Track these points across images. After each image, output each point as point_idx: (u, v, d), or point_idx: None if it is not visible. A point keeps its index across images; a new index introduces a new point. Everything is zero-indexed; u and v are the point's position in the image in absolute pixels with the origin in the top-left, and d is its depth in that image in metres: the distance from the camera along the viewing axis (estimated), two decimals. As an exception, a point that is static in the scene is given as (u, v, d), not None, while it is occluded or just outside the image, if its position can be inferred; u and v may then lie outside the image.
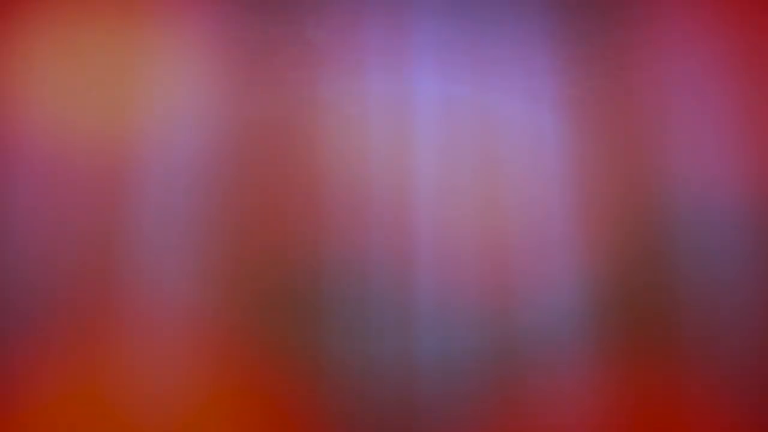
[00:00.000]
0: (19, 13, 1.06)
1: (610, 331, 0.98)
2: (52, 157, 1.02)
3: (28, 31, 1.06)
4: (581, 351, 0.97)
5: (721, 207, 1.02)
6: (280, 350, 0.97)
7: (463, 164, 1.03)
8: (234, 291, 0.98)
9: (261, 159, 1.02)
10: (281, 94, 1.04)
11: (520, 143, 1.04)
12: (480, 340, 0.97)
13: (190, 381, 0.96)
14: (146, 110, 1.04)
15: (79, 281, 0.98)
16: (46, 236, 0.99)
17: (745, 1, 1.09)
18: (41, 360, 0.96)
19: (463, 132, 1.04)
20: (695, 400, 0.96)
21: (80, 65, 1.06)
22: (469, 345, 0.97)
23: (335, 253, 0.99)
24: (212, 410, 0.95)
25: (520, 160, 1.03)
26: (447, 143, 1.04)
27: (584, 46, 1.06)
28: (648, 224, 1.01)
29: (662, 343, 0.98)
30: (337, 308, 0.98)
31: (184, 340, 0.97)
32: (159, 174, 1.01)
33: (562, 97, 1.05)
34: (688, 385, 0.96)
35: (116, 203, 1.00)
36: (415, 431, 0.95)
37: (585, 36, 1.07)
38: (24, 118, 1.03)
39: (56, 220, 1.00)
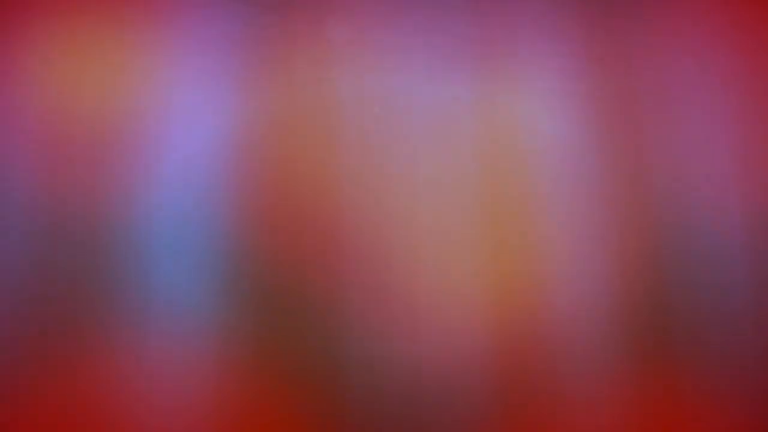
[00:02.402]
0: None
1: (625, 338, 0.97)
2: (55, 155, 1.01)
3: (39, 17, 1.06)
4: (597, 361, 0.97)
5: (739, 212, 1.02)
6: (289, 359, 0.96)
7: (473, 168, 1.03)
8: (239, 296, 0.97)
9: (277, 159, 1.02)
10: (300, 93, 1.04)
11: (533, 146, 1.04)
12: (488, 349, 0.97)
13: (190, 387, 0.95)
14: (160, 108, 1.03)
15: (72, 290, 0.96)
16: (40, 240, 0.98)
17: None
18: (24, 378, 0.94)
19: (476, 133, 1.04)
20: (716, 413, 0.96)
21: (95, 64, 1.05)
22: (478, 354, 0.97)
23: (342, 257, 0.99)
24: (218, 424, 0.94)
25: (531, 163, 1.03)
26: (459, 146, 1.04)
27: (602, 44, 1.06)
28: (666, 230, 1.00)
29: (680, 352, 0.97)
30: (346, 316, 0.97)
31: (183, 343, 0.96)
32: (169, 173, 1.01)
33: (576, 98, 1.05)
34: (711, 397, 0.96)
35: (122, 206, 1.00)
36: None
37: (603, 33, 1.07)
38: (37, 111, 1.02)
39: (51, 221, 0.99)
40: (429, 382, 0.95)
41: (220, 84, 1.04)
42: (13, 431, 0.92)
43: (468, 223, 1.01)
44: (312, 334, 0.96)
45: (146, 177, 1.00)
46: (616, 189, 1.03)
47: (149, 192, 1.00)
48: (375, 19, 1.07)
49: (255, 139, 1.03)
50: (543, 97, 1.05)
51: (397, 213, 1.01)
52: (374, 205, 1.01)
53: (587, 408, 0.95)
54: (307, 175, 1.02)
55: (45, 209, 0.99)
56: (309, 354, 0.96)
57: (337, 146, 1.03)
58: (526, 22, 1.08)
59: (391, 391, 0.95)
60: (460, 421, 0.95)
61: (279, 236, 0.99)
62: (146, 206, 0.99)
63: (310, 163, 1.02)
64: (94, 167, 1.00)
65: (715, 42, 1.08)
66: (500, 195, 1.02)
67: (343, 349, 0.96)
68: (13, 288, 0.96)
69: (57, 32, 1.06)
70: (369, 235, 1.00)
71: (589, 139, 1.04)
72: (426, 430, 0.94)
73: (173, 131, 1.02)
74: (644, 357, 0.97)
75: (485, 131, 1.04)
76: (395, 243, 1.00)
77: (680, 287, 0.99)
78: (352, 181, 1.02)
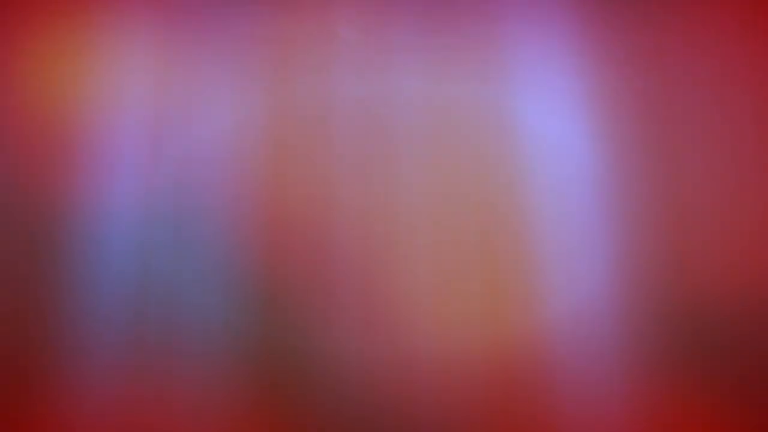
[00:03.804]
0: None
1: (627, 362, 0.96)
2: (47, 154, 1.01)
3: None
4: (596, 385, 0.96)
5: (747, 212, 1.00)
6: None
7: (475, 173, 1.02)
8: (228, 303, 0.97)
9: (276, 161, 1.02)
10: (310, 92, 1.04)
11: (538, 151, 1.02)
12: (485, 369, 0.96)
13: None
14: (159, 108, 1.03)
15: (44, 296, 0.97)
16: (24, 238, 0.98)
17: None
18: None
19: (479, 137, 1.03)
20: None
21: (87, 63, 1.05)
22: (474, 375, 0.96)
23: (338, 265, 0.98)
24: None
25: (537, 169, 1.02)
26: (462, 149, 1.03)
27: (614, 43, 1.05)
28: (676, 240, 0.99)
29: (686, 377, 0.96)
30: (336, 326, 0.97)
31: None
32: (164, 174, 1.00)
33: (585, 100, 1.04)
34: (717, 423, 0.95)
35: (111, 207, 1.00)
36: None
37: (611, 32, 1.05)
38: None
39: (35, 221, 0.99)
40: (425, 403, 0.95)
41: (219, 84, 1.04)
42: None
43: (467, 231, 1.00)
44: (300, 348, 0.96)
45: (138, 178, 1.00)
46: (624, 199, 1.01)
47: (140, 194, 1.00)
48: (380, 19, 1.06)
49: (253, 141, 1.02)
50: (551, 99, 1.03)
51: (396, 217, 1.00)
52: (374, 210, 1.00)
53: None
54: (304, 176, 1.01)
55: (32, 207, 0.99)
56: (297, 369, 0.95)
57: (338, 148, 1.02)
58: (534, 21, 1.06)
59: (387, 411, 0.94)
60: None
61: (273, 241, 0.99)
62: (137, 209, 0.99)
63: (308, 164, 1.01)
64: (84, 167, 1.00)
65: (727, 41, 1.05)
66: (502, 202, 1.01)
67: (334, 366, 0.96)
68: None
69: (48, 29, 1.06)
70: (369, 242, 0.99)
71: (597, 144, 1.03)
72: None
73: (172, 131, 1.02)
74: (646, 384, 0.95)
75: (489, 134, 1.03)
76: (393, 250, 0.99)
77: (688, 307, 0.98)
78: (352, 183, 1.01)
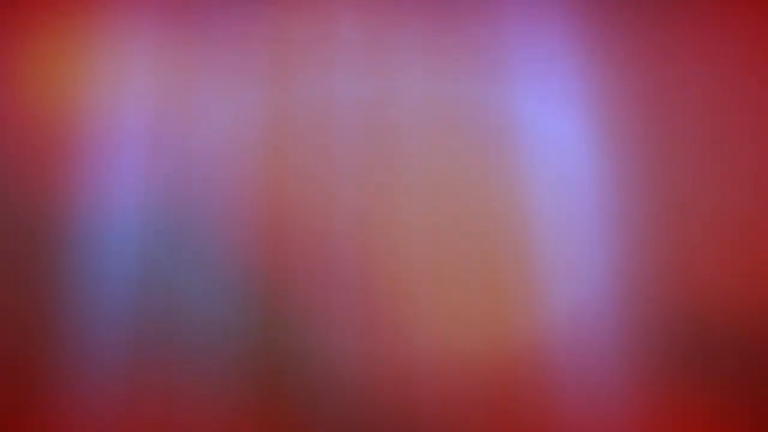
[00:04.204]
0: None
1: (625, 364, 0.96)
2: (41, 154, 1.01)
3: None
4: (595, 389, 0.96)
5: (753, 211, 1.00)
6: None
7: (477, 175, 1.02)
8: (224, 304, 0.97)
9: (285, 159, 1.01)
10: (310, 92, 1.03)
11: (541, 152, 1.02)
12: (483, 374, 0.96)
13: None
14: (169, 108, 1.03)
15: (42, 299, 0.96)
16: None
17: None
18: None
19: (482, 139, 1.03)
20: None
21: (84, 63, 1.05)
22: (473, 381, 0.95)
23: (335, 267, 0.98)
24: None
25: (540, 171, 1.02)
26: (463, 151, 1.03)
27: (614, 43, 1.04)
28: (680, 245, 0.99)
29: (688, 384, 0.96)
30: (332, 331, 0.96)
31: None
32: (171, 173, 1.00)
33: (588, 100, 1.03)
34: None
35: (107, 207, 0.99)
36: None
37: (615, 31, 1.05)
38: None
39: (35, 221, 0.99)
40: (425, 403, 0.94)
41: (219, 84, 1.04)
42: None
43: (467, 231, 0.99)
44: (300, 349, 0.95)
45: (137, 179, 1.00)
46: (624, 199, 1.00)
47: (139, 195, 0.99)
48: (381, 19, 1.05)
49: (253, 140, 1.02)
50: (551, 99, 1.03)
51: (396, 218, 1.00)
52: (374, 211, 1.00)
53: None
54: (304, 176, 1.01)
55: (32, 207, 0.99)
56: (297, 370, 0.95)
57: (338, 147, 1.02)
58: (535, 22, 1.06)
59: (387, 411, 0.94)
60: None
61: (273, 241, 0.98)
62: (137, 209, 0.99)
63: (308, 164, 1.01)
64: (84, 167, 1.00)
65: (727, 41, 1.05)
66: (502, 203, 1.00)
67: (334, 366, 0.95)
68: None
69: (48, 29, 1.05)
70: (369, 242, 0.99)
71: (597, 144, 1.02)
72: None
73: (172, 131, 1.02)
74: (646, 384, 0.95)
75: (490, 135, 1.03)
76: (393, 250, 0.99)
77: (688, 308, 0.97)
78: (352, 183, 1.01)
